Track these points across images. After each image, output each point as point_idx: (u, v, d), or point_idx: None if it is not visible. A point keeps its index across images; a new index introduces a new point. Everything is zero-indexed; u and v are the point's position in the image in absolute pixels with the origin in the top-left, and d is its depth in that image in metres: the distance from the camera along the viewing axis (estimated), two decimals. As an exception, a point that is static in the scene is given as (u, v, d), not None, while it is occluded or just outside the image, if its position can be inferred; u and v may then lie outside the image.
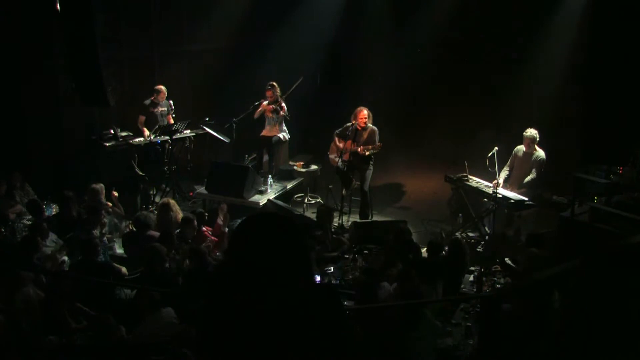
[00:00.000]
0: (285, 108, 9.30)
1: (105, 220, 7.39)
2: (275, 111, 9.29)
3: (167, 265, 6.10)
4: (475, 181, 8.26)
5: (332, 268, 6.93)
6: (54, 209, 7.80)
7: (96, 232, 6.92)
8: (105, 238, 7.03)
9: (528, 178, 8.00)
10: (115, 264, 6.43)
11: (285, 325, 1.33)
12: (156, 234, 6.77)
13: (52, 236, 6.79)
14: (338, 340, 1.36)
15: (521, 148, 8.15)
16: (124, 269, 6.39)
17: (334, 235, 7.66)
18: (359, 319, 4.97)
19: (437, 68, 10.96)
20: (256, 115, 9.37)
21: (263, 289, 1.45)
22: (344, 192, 8.78)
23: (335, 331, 1.36)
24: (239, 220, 8.35)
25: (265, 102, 9.37)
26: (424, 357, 4.78)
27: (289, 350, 1.31)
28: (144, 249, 6.26)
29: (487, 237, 7.95)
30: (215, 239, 7.25)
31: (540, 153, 8.02)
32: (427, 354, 4.80)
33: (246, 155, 9.85)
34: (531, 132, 8.03)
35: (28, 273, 5.52)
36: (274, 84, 9.31)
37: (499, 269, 7.07)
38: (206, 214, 7.86)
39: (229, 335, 1.47)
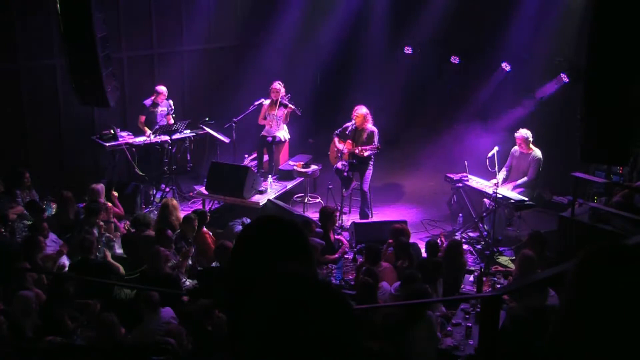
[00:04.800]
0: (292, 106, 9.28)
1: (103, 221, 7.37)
2: (283, 105, 9.23)
3: (169, 264, 6.12)
4: (475, 181, 8.25)
5: (332, 268, 6.94)
6: (53, 209, 7.80)
7: (95, 232, 6.92)
8: (104, 238, 7.03)
9: (524, 179, 8.00)
10: (113, 262, 6.46)
11: (296, 326, 1.32)
12: (154, 233, 6.77)
13: (52, 236, 6.80)
14: (345, 340, 1.35)
15: (518, 148, 8.15)
16: (121, 268, 6.41)
17: (335, 236, 7.67)
18: (359, 319, 4.97)
19: (437, 67, 10.96)
20: (260, 119, 9.34)
21: (271, 291, 1.44)
22: (344, 192, 8.78)
23: (343, 330, 1.35)
24: (239, 220, 8.38)
25: (266, 102, 9.34)
26: (424, 357, 4.78)
27: (299, 351, 1.31)
28: (142, 249, 6.27)
29: (487, 236, 7.95)
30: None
31: (536, 152, 8.02)
32: (428, 354, 4.81)
33: (246, 155, 9.85)
34: (522, 132, 8.03)
35: (29, 273, 5.52)
36: (280, 83, 9.30)
37: (499, 269, 7.09)
38: (208, 214, 7.84)
39: (243, 339, 1.48)
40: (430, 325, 4.90)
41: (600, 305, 1.38)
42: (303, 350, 1.28)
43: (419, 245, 7.15)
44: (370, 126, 8.59)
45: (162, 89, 9.31)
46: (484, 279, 6.35)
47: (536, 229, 6.99)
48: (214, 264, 6.47)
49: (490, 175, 8.02)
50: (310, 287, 1.39)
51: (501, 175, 8.08)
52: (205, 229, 7.30)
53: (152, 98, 9.30)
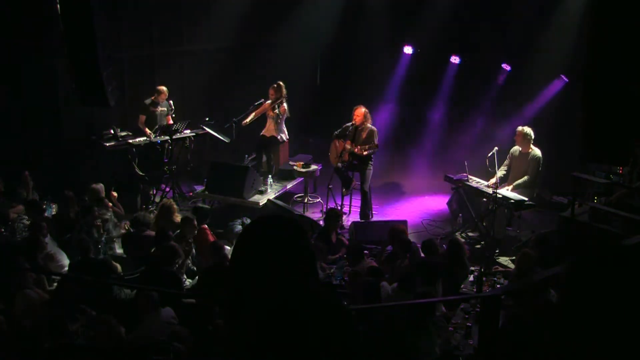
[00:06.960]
0: (286, 107, 9.27)
1: (100, 221, 7.36)
2: (278, 105, 9.24)
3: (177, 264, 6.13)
4: (475, 181, 8.25)
5: (332, 268, 6.93)
6: (54, 209, 7.79)
7: (94, 232, 6.92)
8: (104, 238, 7.03)
9: (523, 179, 7.98)
10: (111, 262, 6.46)
11: (293, 325, 1.33)
12: (153, 233, 6.77)
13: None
14: (343, 341, 1.36)
15: (517, 148, 8.11)
16: (118, 267, 6.42)
17: (338, 237, 7.67)
18: (361, 318, 4.98)
19: (437, 67, 10.96)
20: (257, 114, 9.34)
21: (271, 290, 1.45)
22: (344, 192, 8.79)
23: (342, 332, 1.36)
24: (239, 220, 8.35)
25: (267, 102, 9.34)
26: (425, 357, 4.77)
27: (296, 351, 1.32)
28: (142, 249, 6.26)
29: (487, 237, 7.95)
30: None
31: (536, 152, 7.99)
32: (428, 354, 4.80)
33: (246, 155, 9.85)
34: (523, 127, 7.99)
35: (30, 273, 5.53)
36: (280, 83, 9.29)
37: (499, 269, 7.09)
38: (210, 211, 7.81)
39: (243, 336, 1.48)
40: (430, 337, 4.87)
41: (598, 304, 1.38)
42: (300, 351, 1.29)
43: (417, 246, 7.13)
44: (370, 126, 8.60)
45: (163, 89, 9.32)
46: (484, 279, 6.35)
47: (541, 232, 6.97)
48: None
49: (490, 175, 8.02)
50: (306, 290, 1.40)
51: (500, 173, 8.03)
52: (205, 226, 7.28)
53: (152, 97, 9.30)
